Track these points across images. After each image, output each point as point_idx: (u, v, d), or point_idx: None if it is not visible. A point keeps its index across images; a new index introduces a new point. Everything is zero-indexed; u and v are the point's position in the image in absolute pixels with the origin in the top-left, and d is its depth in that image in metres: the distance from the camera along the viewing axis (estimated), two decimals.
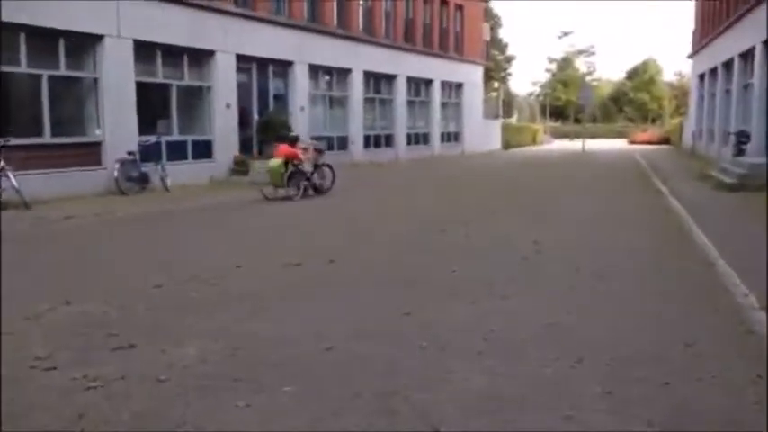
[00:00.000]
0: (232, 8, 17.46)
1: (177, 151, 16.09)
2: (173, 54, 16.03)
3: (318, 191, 14.28)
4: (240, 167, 17.31)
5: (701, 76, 28.98)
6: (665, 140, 44.71)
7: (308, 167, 14.01)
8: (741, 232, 9.34)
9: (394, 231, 9.54)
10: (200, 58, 16.88)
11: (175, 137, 16.16)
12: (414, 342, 4.55)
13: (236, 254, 7.77)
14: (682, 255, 7.69)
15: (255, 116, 18.88)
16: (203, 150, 16.96)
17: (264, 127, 18.55)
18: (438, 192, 15.63)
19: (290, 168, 13.55)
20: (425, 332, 4.79)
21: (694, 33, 32.64)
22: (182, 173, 15.65)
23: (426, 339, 4.61)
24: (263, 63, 19.05)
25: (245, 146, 18.38)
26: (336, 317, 5.19)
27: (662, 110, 69.07)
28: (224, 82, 17.31)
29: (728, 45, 21.99)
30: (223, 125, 17.32)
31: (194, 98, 17.08)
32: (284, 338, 4.62)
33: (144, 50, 15.11)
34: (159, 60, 15.71)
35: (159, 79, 15.89)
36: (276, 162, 13.62)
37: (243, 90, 18.36)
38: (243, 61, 18.05)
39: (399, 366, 4.09)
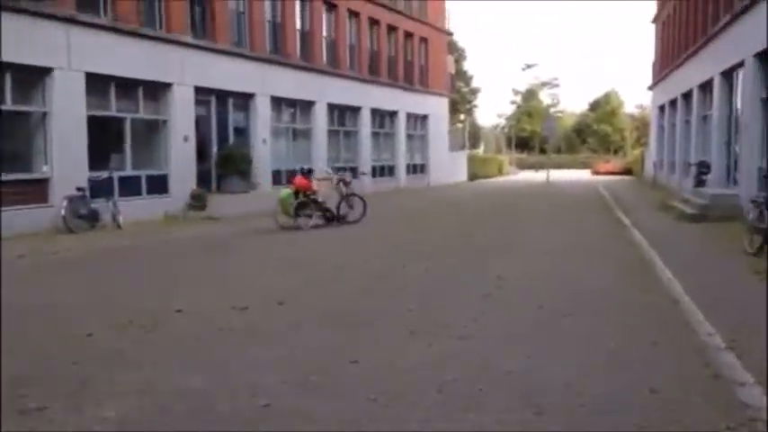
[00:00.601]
0: (190, 40, 17.14)
1: (131, 186, 15.58)
2: (127, 87, 15.60)
3: (340, 220, 14.40)
4: (198, 202, 16.85)
5: (661, 108, 29.41)
6: (627, 171, 45.25)
7: (323, 198, 14.23)
8: (704, 265, 9.19)
9: (353, 266, 9.19)
10: (157, 90, 16.47)
11: (129, 172, 15.65)
12: (362, 394, 4.19)
13: (181, 296, 7.33)
14: (645, 289, 7.48)
15: (215, 149, 18.45)
16: (159, 185, 16.46)
17: (224, 160, 18.15)
18: (402, 224, 15.33)
19: (300, 198, 13.81)
20: (375, 382, 4.45)
21: (654, 65, 33.23)
22: (136, 209, 15.14)
23: (376, 390, 4.26)
24: (223, 95, 18.70)
25: (203, 180, 17.92)
26: (279, 367, 4.79)
27: (624, 141, 70.23)
28: (182, 115, 16.90)
29: (687, 76, 22.32)
30: (180, 159, 16.87)
31: (150, 131, 16.63)
32: (217, 394, 4.21)
33: (96, 83, 14.65)
34: (113, 93, 15.25)
35: (112, 112, 15.41)
36: (285, 192, 14.12)
37: (202, 123, 17.96)
38: (202, 93, 17.68)
39: (344, 424, 3.73)
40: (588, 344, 5.37)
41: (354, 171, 19.91)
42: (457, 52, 50.39)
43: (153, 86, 16.27)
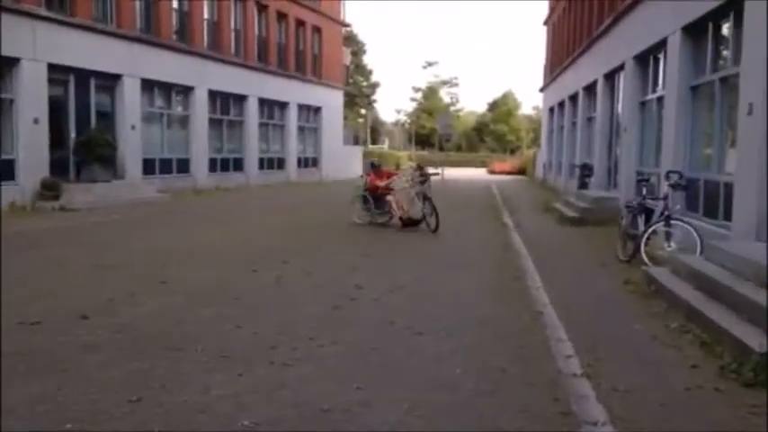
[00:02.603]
0: (43, 11, 15.37)
1: None
2: None
3: (413, 225, 12.68)
4: (50, 191, 15.19)
5: (551, 110, 29.77)
6: (521, 171, 45.97)
7: (392, 197, 13.03)
8: (577, 273, 8.72)
9: (197, 273, 8.13)
10: (2, 66, 14.64)
11: None
12: None
13: None
14: (510, 301, 6.90)
15: (73, 134, 16.71)
16: (3, 171, 14.66)
17: (83, 146, 16.46)
18: (273, 223, 14.25)
19: (362, 193, 13.45)
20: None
21: (545, 68, 33.68)
22: None
23: None
24: (83, 75, 16.98)
25: (60, 167, 16.20)
26: (30, 411, 3.75)
27: (520, 141, 71.88)
28: (31, 94, 15.15)
29: (574, 79, 22.48)
30: (30, 143, 15.14)
31: None
32: None
33: None
34: None
35: None
36: (360, 182, 13.91)
37: (57, 104, 16.22)
38: (57, 72, 15.95)
39: None
40: (431, 372, 4.62)
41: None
42: (356, 45, 49.67)
43: None
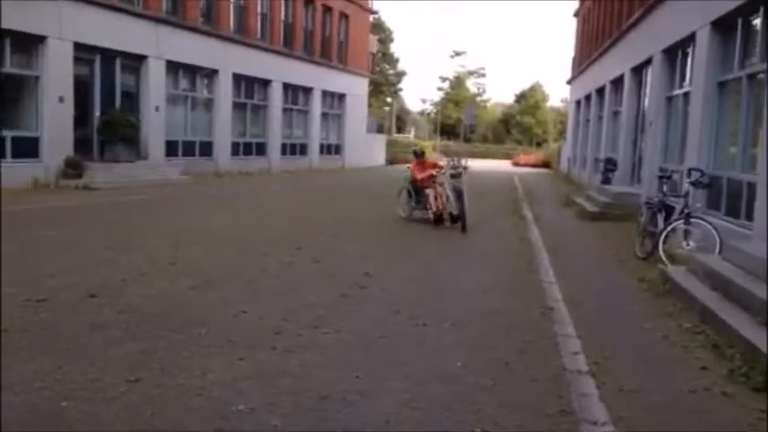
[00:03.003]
0: None
1: None
2: None
3: (443, 219, 11.77)
4: (74, 170, 15.33)
5: (578, 103, 29.37)
6: (545, 164, 45.46)
7: (429, 192, 11.80)
8: (591, 269, 8.61)
9: (210, 256, 8.15)
10: (28, 43, 14.80)
11: None
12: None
13: None
14: (521, 294, 6.81)
15: (97, 114, 16.85)
16: (27, 148, 14.84)
17: (107, 126, 16.59)
18: (292, 209, 14.28)
19: (404, 184, 12.59)
20: (141, 412, 3.52)
21: (573, 60, 33.21)
22: None
23: (138, 425, 3.37)
24: (109, 55, 17.10)
25: (84, 146, 16.36)
26: (30, 387, 3.78)
27: (546, 134, 71.07)
28: (57, 72, 15.27)
29: (602, 72, 22.14)
30: (55, 121, 15.27)
31: (18, 89, 14.95)
32: None
33: None
34: None
35: None
36: (405, 173, 12.76)
37: (82, 83, 16.34)
38: (83, 51, 16.06)
39: None
40: (431, 364, 4.57)
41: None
42: (383, 33, 49.41)
43: (22, 38, 14.58)
